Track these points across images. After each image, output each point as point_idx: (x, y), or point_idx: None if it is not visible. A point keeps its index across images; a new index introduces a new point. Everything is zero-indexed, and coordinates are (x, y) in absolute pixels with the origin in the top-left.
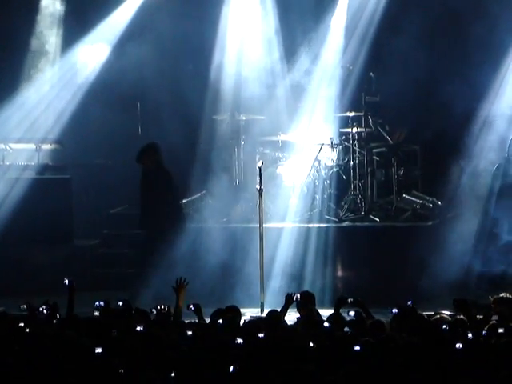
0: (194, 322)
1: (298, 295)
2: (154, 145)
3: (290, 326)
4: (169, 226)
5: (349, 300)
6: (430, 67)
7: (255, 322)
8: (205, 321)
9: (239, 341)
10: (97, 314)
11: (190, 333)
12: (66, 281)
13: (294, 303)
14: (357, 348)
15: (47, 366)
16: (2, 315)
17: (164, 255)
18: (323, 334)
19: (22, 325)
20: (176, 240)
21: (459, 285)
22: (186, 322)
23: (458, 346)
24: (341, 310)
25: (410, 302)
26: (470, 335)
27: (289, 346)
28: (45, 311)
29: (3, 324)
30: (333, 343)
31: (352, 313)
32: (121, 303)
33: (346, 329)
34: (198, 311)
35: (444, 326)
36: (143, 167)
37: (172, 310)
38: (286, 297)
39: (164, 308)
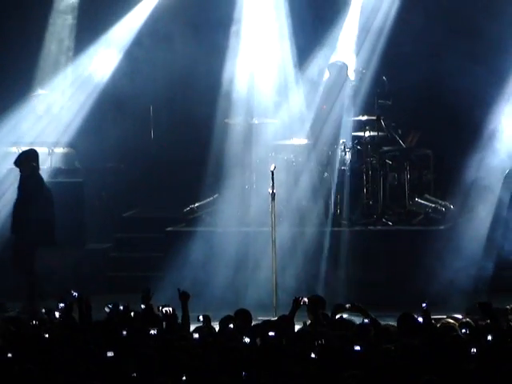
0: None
1: (306, 299)
2: (32, 151)
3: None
4: (35, 234)
5: (347, 306)
6: (444, 71)
7: (264, 324)
8: (214, 330)
9: (246, 340)
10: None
11: (196, 336)
12: (75, 294)
13: (304, 307)
14: (357, 348)
15: (61, 369)
16: (16, 319)
17: (30, 262)
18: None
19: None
20: (42, 249)
21: (471, 289)
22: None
23: (473, 350)
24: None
25: (424, 304)
26: (489, 337)
27: (294, 350)
28: (57, 313)
29: (17, 327)
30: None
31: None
32: (143, 306)
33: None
34: (207, 322)
35: (464, 331)
36: (21, 173)
37: (176, 312)
38: (293, 300)
39: (169, 311)
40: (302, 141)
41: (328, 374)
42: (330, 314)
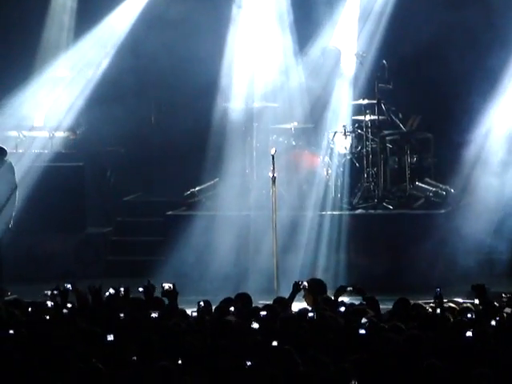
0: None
1: (306, 283)
2: None
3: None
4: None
5: (348, 289)
6: (445, 54)
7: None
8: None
9: (255, 325)
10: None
11: (195, 314)
12: (69, 285)
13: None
14: (362, 331)
15: (61, 352)
16: (15, 302)
17: None
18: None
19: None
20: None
21: (471, 272)
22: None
23: (469, 334)
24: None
25: (438, 289)
26: (493, 322)
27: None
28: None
29: (17, 310)
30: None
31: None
32: (141, 289)
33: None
34: (207, 308)
35: (469, 315)
36: None
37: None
38: (293, 284)
39: (169, 287)
40: (300, 125)
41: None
42: (331, 298)
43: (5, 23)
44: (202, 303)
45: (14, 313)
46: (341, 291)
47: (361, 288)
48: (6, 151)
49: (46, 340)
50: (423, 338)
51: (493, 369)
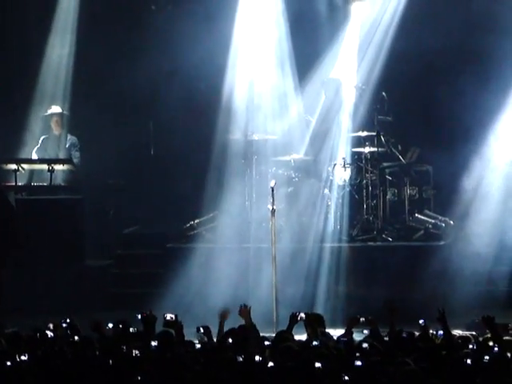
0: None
1: (303, 314)
2: None
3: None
4: None
5: (361, 320)
6: (444, 86)
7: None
8: (214, 343)
9: (257, 358)
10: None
11: (198, 346)
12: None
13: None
14: (358, 363)
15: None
16: (14, 335)
17: None
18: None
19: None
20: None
21: (471, 304)
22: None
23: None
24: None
25: (422, 321)
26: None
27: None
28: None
29: (16, 344)
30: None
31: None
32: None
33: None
34: (207, 334)
35: (471, 346)
36: None
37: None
38: (290, 316)
39: (172, 318)
40: (300, 157)
41: None
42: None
43: (6, 53)
44: (201, 329)
45: (14, 345)
46: (354, 322)
47: (372, 319)
48: None
49: (51, 372)
50: (423, 371)
51: None
